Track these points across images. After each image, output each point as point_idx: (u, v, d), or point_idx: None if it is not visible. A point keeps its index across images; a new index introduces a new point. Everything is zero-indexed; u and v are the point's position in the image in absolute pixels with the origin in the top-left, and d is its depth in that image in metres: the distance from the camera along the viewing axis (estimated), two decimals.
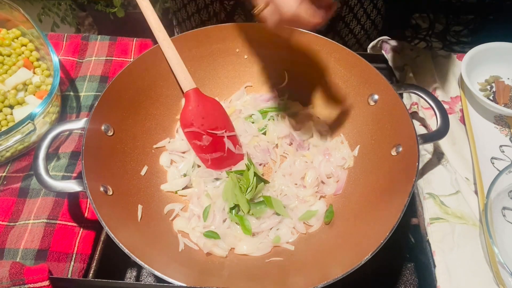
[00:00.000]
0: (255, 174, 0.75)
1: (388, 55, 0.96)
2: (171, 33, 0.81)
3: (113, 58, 0.96)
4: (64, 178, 0.79)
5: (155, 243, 0.68)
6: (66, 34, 1.01)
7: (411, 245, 0.76)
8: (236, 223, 0.73)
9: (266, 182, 0.76)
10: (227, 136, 0.79)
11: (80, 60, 0.97)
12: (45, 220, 0.72)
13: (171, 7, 1.13)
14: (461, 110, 0.86)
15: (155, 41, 0.79)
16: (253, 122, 0.85)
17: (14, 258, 0.69)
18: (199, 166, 0.80)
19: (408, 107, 0.83)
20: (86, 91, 0.91)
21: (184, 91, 0.79)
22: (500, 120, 0.85)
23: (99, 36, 1.00)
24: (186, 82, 0.79)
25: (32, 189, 0.77)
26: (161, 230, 0.72)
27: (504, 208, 0.72)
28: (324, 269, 0.62)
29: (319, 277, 0.58)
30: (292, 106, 0.86)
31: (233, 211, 0.74)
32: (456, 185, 0.74)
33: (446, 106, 0.84)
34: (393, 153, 0.71)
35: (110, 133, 0.73)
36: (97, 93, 0.91)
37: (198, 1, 0.98)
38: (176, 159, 0.81)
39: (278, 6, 0.55)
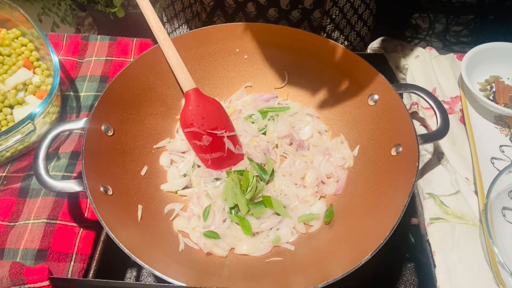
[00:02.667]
0: (259, 166, 0.76)
1: (388, 55, 0.96)
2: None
3: (113, 58, 0.96)
4: (64, 178, 0.79)
5: (155, 243, 0.68)
6: (66, 34, 1.01)
7: (411, 245, 0.76)
8: (236, 223, 0.73)
9: (271, 172, 0.76)
10: (227, 136, 0.79)
11: (80, 60, 0.97)
12: (45, 220, 0.72)
13: (160, 4, 1.13)
14: (461, 110, 0.86)
15: (155, 41, 0.79)
16: (253, 122, 0.85)
17: (14, 258, 0.69)
18: (199, 166, 0.80)
19: (408, 107, 0.83)
20: (86, 91, 0.91)
21: (184, 91, 0.79)
22: (500, 120, 0.85)
23: (99, 36, 1.00)
24: (186, 82, 0.79)
25: (32, 189, 0.77)
26: (161, 230, 0.72)
27: (504, 208, 0.72)
28: (324, 269, 0.62)
29: (319, 277, 0.58)
30: (292, 106, 0.86)
31: (233, 211, 0.74)
32: (456, 185, 0.74)
33: (446, 106, 0.84)
34: (393, 153, 0.71)
35: (110, 133, 0.73)
36: (97, 93, 0.91)
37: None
38: (176, 159, 0.81)
39: None
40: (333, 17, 0.95)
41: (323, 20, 0.94)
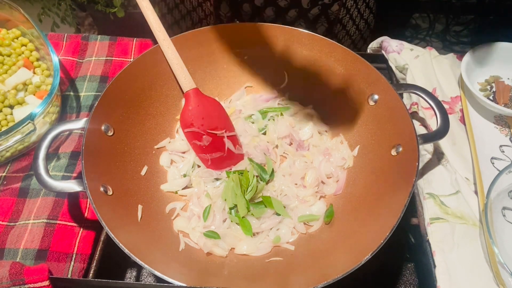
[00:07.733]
0: (259, 166, 0.76)
1: (388, 55, 0.96)
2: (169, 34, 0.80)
3: (113, 58, 0.96)
4: (64, 178, 0.79)
5: (155, 243, 0.68)
6: (66, 34, 1.01)
7: (411, 245, 0.76)
8: (236, 223, 0.73)
9: (271, 172, 0.76)
10: (227, 136, 0.79)
11: (80, 60, 0.97)
12: (45, 220, 0.72)
13: (161, 9, 1.13)
14: (461, 110, 0.86)
15: (155, 41, 0.79)
16: (253, 122, 0.85)
17: (14, 258, 0.69)
18: (199, 166, 0.80)
19: (408, 107, 0.83)
20: (86, 91, 0.91)
21: (184, 91, 0.79)
22: (500, 120, 0.85)
23: (99, 36, 1.00)
24: (186, 82, 0.79)
25: (32, 189, 0.77)
26: (161, 230, 0.72)
27: (504, 208, 0.72)
28: (324, 269, 0.62)
29: (319, 277, 0.58)
30: (292, 106, 0.86)
31: (233, 211, 0.74)
32: (456, 185, 0.74)
33: (446, 106, 0.84)
34: (393, 153, 0.71)
35: (110, 133, 0.73)
36: (97, 93, 0.91)
37: (186, 4, 0.98)
38: (176, 159, 0.81)
39: None
40: (349, 8, 0.95)
41: (340, 12, 0.94)
